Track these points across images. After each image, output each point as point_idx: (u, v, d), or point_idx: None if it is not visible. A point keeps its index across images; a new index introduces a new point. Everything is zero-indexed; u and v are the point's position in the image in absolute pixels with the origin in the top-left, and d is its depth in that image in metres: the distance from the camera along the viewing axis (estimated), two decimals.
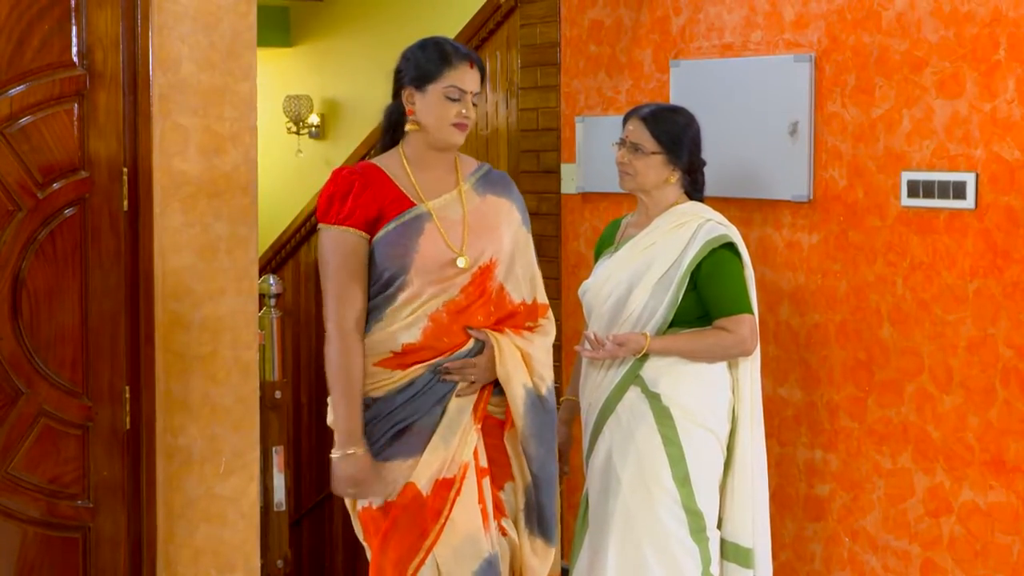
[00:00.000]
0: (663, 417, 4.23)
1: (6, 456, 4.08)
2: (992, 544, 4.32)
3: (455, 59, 3.77)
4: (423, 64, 3.77)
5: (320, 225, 3.73)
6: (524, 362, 3.82)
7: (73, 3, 4.06)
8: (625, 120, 4.42)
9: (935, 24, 4.39)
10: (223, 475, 4.35)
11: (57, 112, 4.08)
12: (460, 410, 3.75)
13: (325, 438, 7.17)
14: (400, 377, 3.72)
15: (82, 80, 4.09)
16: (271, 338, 5.58)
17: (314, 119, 10.25)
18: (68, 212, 4.10)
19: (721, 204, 4.66)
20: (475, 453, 3.77)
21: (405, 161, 3.81)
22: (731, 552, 4.32)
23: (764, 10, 4.94)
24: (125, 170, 4.15)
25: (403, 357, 3.72)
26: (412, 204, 3.74)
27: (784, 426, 4.89)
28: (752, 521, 4.33)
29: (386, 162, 3.82)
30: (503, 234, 3.83)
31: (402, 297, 3.71)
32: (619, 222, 4.59)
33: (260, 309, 4.96)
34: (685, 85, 5.21)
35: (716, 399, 4.28)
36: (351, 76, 10.04)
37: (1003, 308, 4.26)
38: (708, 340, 4.24)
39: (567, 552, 4.91)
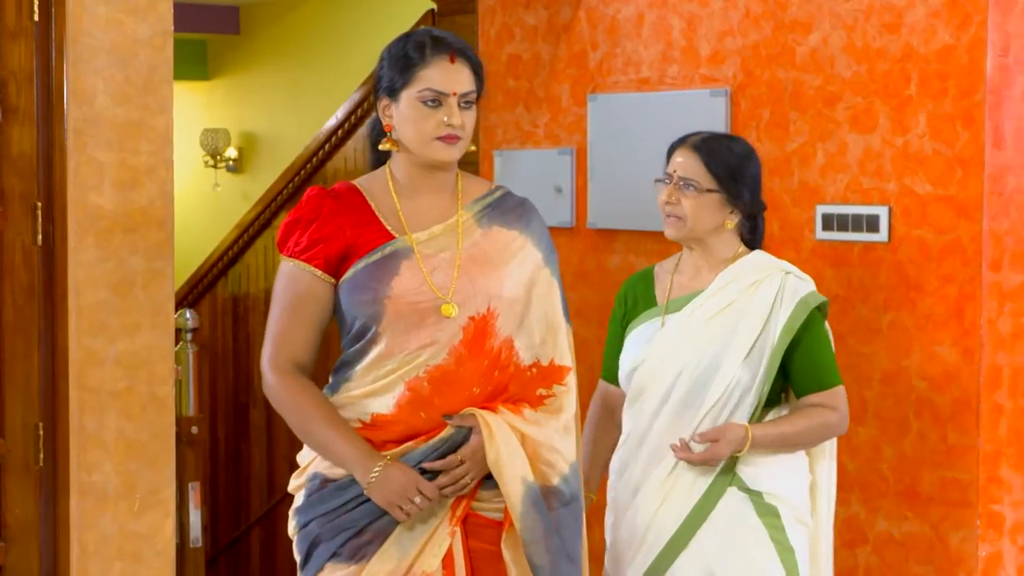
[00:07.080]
0: (770, 517, 3.51)
1: None
2: (907, 574, 4.35)
3: (429, 53, 3.02)
4: (393, 65, 3.06)
5: (280, 255, 3.11)
6: (525, 449, 3.03)
7: None
8: (671, 151, 3.75)
9: (848, 60, 4.44)
10: (138, 512, 4.30)
11: None
12: (429, 508, 3.01)
13: (241, 474, 7.13)
14: None
15: None
16: (187, 373, 5.55)
17: (231, 152, 10.22)
18: None
19: (639, 238, 4.68)
20: (448, 561, 3.04)
21: (392, 183, 3.13)
22: None
23: (680, 45, 4.98)
24: (39, 204, 4.11)
25: (373, 431, 3.04)
26: (390, 237, 3.05)
27: None
28: None
29: (370, 184, 3.14)
30: (506, 276, 3.09)
31: (374, 353, 3.04)
32: (650, 274, 3.82)
33: (176, 344, 4.92)
34: (603, 119, 5.24)
35: (807, 489, 3.63)
36: (269, 109, 10.02)
37: (916, 340, 4.31)
38: (814, 422, 3.52)
39: None
